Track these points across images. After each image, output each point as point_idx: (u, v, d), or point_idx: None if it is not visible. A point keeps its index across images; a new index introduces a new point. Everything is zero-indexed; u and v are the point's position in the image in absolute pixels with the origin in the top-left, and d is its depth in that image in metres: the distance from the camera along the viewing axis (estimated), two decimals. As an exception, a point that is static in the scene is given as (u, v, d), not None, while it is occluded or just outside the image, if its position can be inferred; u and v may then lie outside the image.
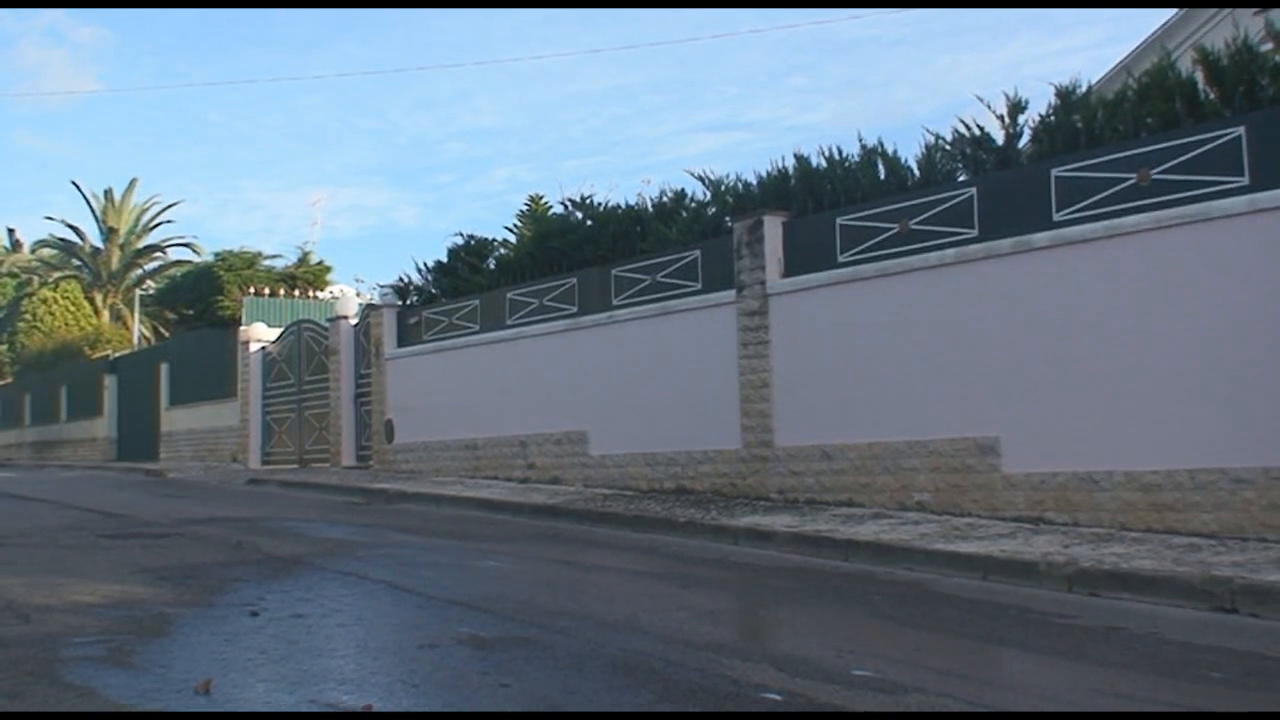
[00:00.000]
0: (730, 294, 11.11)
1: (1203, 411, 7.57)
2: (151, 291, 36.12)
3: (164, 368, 26.10)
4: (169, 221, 43.35)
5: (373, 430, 17.38)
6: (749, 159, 76.62)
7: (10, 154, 73.90)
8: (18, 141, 74.34)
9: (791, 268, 10.72)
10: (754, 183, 11.73)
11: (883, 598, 6.39)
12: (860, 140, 11.37)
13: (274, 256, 29.23)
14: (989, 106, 9.73)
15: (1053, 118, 9.19)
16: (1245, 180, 7.53)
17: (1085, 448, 8.17)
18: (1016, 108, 9.57)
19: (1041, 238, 8.56)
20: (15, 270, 43.13)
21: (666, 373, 11.81)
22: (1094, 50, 65.07)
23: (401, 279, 17.12)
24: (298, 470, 18.69)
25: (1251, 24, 8.56)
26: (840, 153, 10.95)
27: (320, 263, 27.35)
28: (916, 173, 10.32)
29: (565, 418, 13.15)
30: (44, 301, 36.96)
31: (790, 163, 11.30)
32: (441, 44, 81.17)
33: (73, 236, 41.09)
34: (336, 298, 22.13)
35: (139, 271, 41.48)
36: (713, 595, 6.58)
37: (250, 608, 5.66)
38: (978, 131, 9.83)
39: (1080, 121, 8.94)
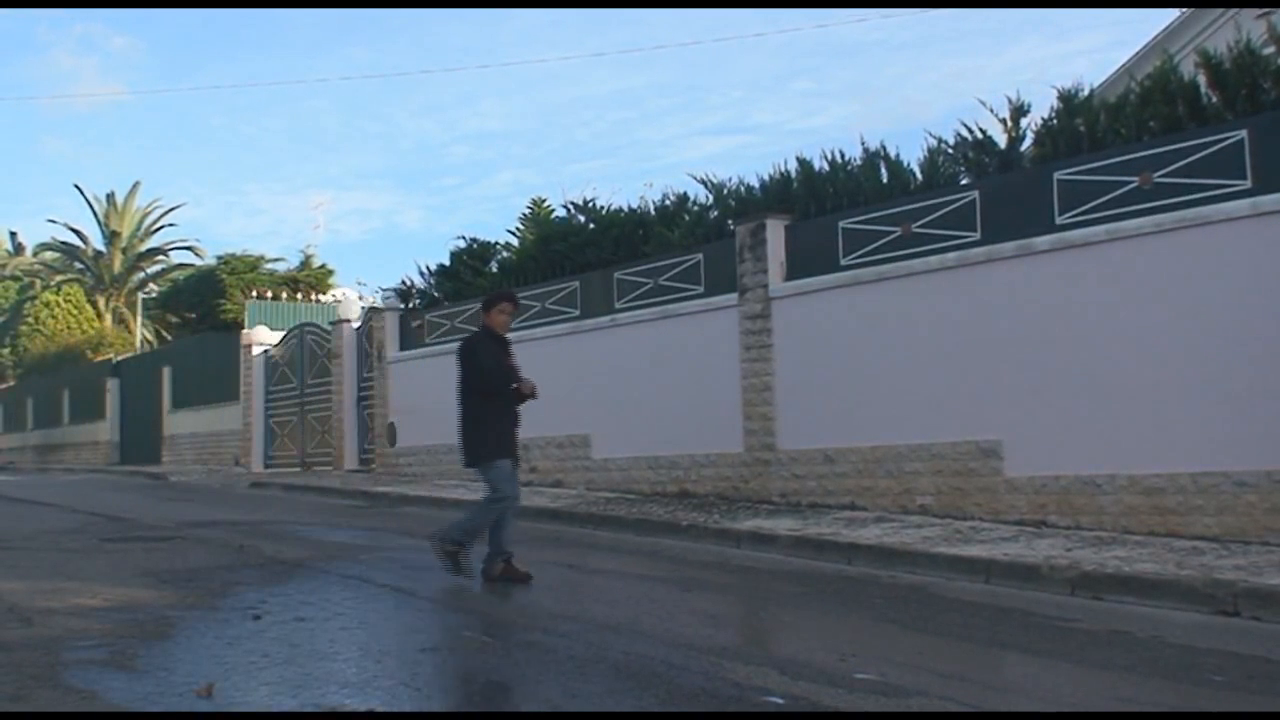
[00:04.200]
0: (733, 297, 11.12)
1: (1205, 415, 7.57)
2: (154, 295, 36.12)
3: (166, 371, 26.12)
4: (171, 225, 43.41)
5: (375, 433, 17.39)
6: (753, 162, 76.91)
7: (13, 157, 74.14)
8: (21, 145, 74.59)
9: (794, 271, 10.72)
10: (756, 186, 11.74)
11: (885, 601, 6.39)
12: (863, 143, 11.37)
13: (277, 260, 29.27)
14: (991, 110, 9.74)
15: (1055, 121, 9.19)
16: (1248, 183, 7.52)
17: (1087, 451, 8.16)
18: (1019, 111, 9.57)
19: (1043, 241, 8.55)
20: (18, 273, 43.19)
21: (669, 376, 11.81)
22: (1097, 54, 65.14)
23: (404, 282, 17.13)
24: (300, 474, 18.69)
25: (1254, 27, 8.56)
26: (843, 156, 10.95)
27: (323, 266, 27.35)
28: (919, 176, 10.32)
29: (567, 421, 13.14)
30: (46, 305, 36.99)
31: (793, 166, 11.31)
32: (446, 48, 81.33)
33: (75, 240, 41.13)
34: (339, 301, 22.14)
35: (141, 275, 41.50)
36: (715, 599, 6.58)
37: (253, 611, 5.66)
38: (980, 135, 9.82)
39: (1082, 124, 8.94)
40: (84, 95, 75.18)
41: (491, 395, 7.20)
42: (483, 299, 7.90)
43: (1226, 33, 9.54)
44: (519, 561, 7.08)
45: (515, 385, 7.27)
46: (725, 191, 12.19)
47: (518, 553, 7.16)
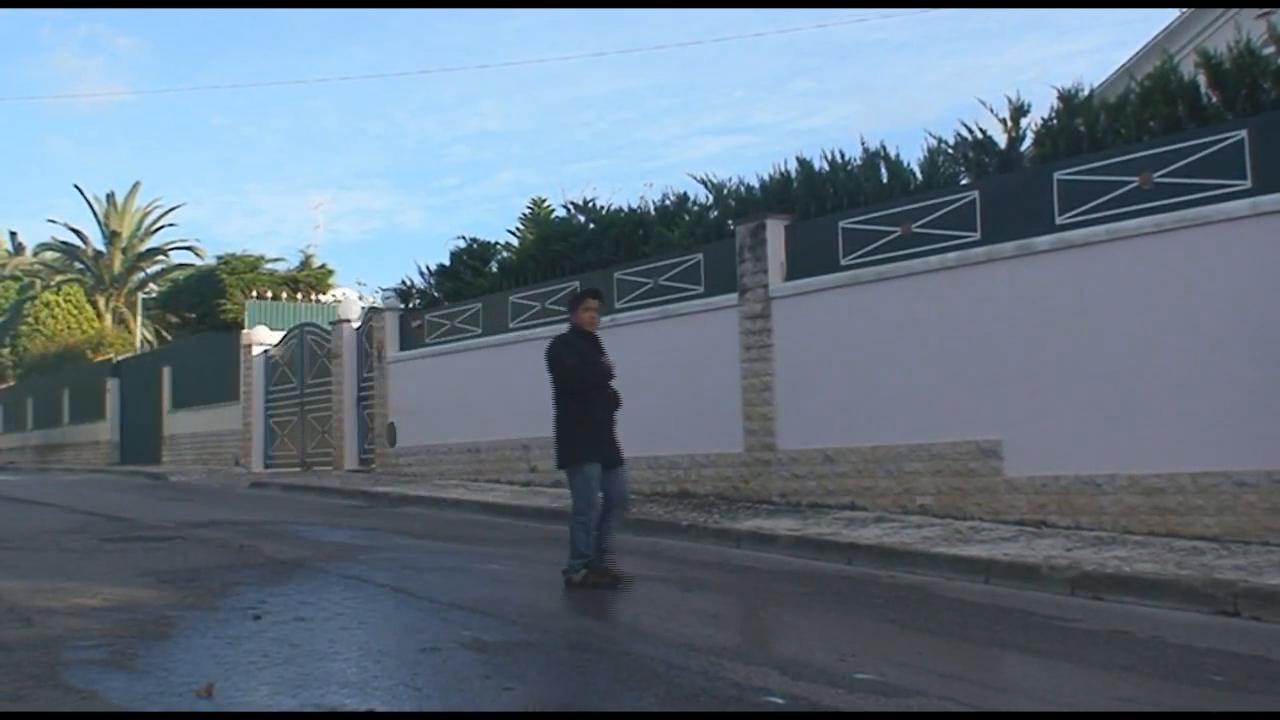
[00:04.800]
0: (733, 297, 11.11)
1: (1205, 415, 7.56)
2: (154, 295, 36.13)
3: (166, 371, 26.12)
4: (171, 225, 43.35)
5: (375, 433, 17.38)
6: (754, 162, 76.56)
7: (14, 157, 74.15)
8: (22, 145, 74.59)
9: (794, 271, 10.72)
10: (756, 186, 11.74)
11: (885, 601, 6.39)
12: (863, 143, 11.37)
13: (276, 260, 29.25)
14: (991, 110, 9.74)
15: (1055, 121, 9.19)
16: (1248, 183, 7.52)
17: (1087, 451, 8.16)
18: (1019, 111, 9.57)
19: (1043, 241, 8.55)
20: (18, 273, 43.18)
21: (669, 376, 11.80)
22: (1097, 54, 65.11)
23: (404, 282, 17.13)
24: (300, 474, 18.69)
25: (1254, 27, 8.56)
26: (843, 156, 10.96)
27: (323, 266, 27.35)
28: (919, 176, 10.32)
29: (567, 421, 13.12)
30: (46, 305, 36.99)
31: (793, 166, 11.31)
32: (446, 48, 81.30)
33: (75, 240, 41.10)
34: (339, 301, 22.14)
35: (141, 275, 41.49)
36: (715, 599, 6.58)
37: (253, 611, 5.66)
38: (980, 135, 9.83)
39: (1083, 124, 8.94)
40: (83, 95, 75.26)
41: (579, 394, 6.99)
42: (568, 298, 7.61)
43: (1226, 33, 9.54)
44: (610, 562, 6.83)
45: (605, 384, 7.01)
46: (725, 191, 12.19)
47: (520, 553, 7.16)
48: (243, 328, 22.60)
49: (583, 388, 7.00)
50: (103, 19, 73.21)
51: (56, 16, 73.18)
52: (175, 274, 37.59)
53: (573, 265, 13.81)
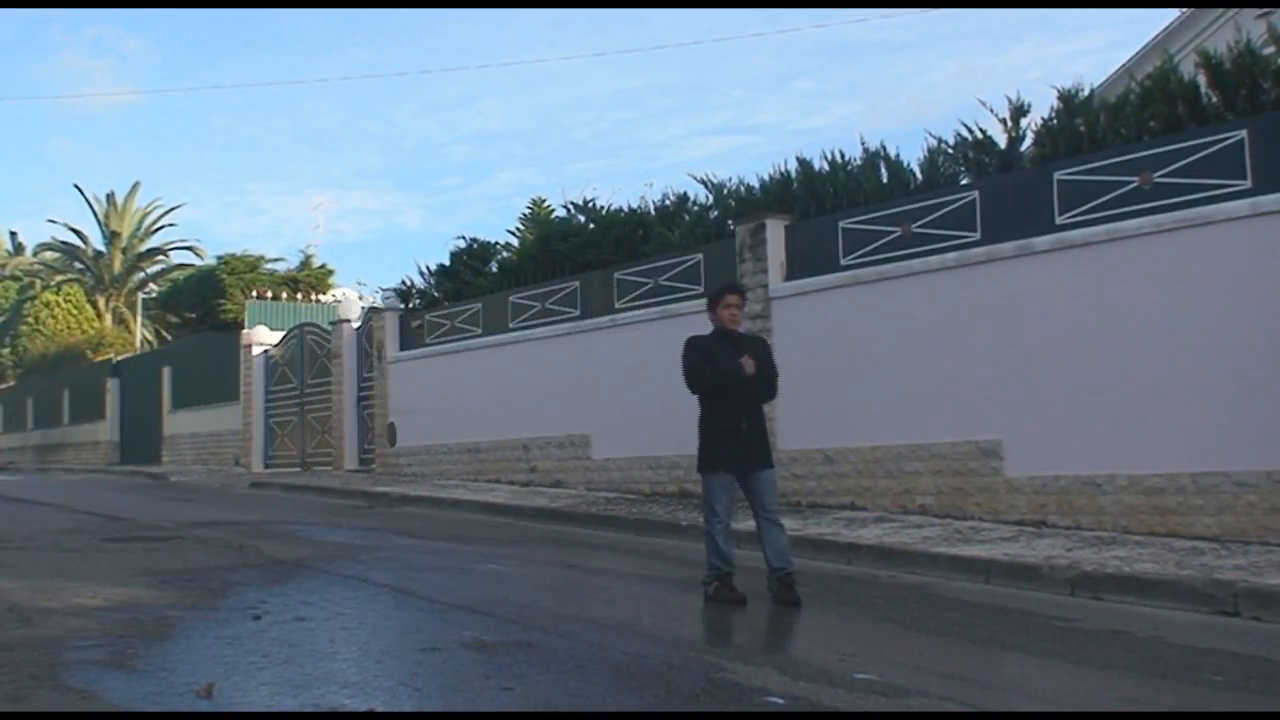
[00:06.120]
0: (732, 297, 11.09)
1: (1205, 415, 7.56)
2: (154, 295, 36.13)
3: (166, 371, 26.12)
4: (172, 225, 43.41)
5: (375, 433, 17.38)
6: (755, 162, 76.53)
7: (14, 157, 74.15)
8: (22, 145, 74.59)
9: (794, 271, 10.72)
10: (756, 186, 11.74)
11: (885, 601, 6.39)
12: (863, 143, 11.35)
13: (276, 260, 29.26)
14: (991, 110, 9.75)
15: (1055, 121, 9.19)
16: (1248, 184, 7.52)
17: (1087, 451, 8.16)
18: (1019, 111, 9.57)
19: (1043, 241, 8.55)
20: (18, 273, 43.20)
21: (669, 376, 11.72)
22: (1097, 54, 65.14)
23: (404, 282, 17.13)
24: (300, 474, 18.69)
25: (1254, 27, 8.56)
26: (843, 156, 10.95)
27: (323, 266, 27.35)
28: (919, 176, 10.32)
29: (568, 421, 13.14)
30: (46, 305, 37.01)
31: (793, 166, 11.31)
32: (446, 48, 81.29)
33: (75, 240, 41.15)
34: (339, 301, 22.14)
35: (141, 275, 41.52)
36: (715, 598, 6.56)
37: (252, 611, 5.66)
38: (980, 135, 9.83)
39: (1082, 125, 8.94)
40: (83, 95, 75.28)
41: (704, 396, 6.68)
42: (710, 296, 7.06)
43: (1226, 33, 9.54)
44: (782, 581, 6.32)
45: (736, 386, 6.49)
46: (725, 191, 12.19)
47: (520, 553, 7.15)
48: (243, 328, 22.59)
49: (703, 390, 6.65)
50: (110, 20, 73.30)
51: (65, 18, 73.27)
52: (175, 274, 37.59)
53: (573, 265, 13.81)
